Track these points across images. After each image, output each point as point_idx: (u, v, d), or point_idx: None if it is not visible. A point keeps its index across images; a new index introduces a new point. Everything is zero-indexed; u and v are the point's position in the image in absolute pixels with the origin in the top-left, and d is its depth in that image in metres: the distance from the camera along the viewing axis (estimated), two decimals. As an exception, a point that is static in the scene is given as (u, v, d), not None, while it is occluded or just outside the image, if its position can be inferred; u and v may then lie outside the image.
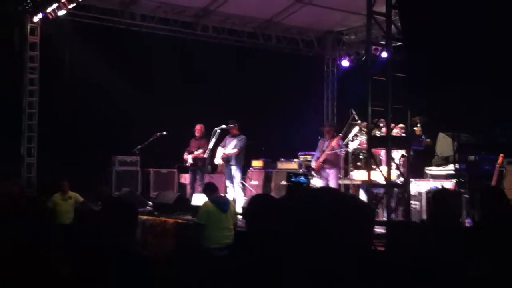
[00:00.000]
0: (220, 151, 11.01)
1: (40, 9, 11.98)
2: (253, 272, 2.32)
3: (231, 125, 10.94)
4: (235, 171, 10.78)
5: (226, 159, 10.81)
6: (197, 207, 9.44)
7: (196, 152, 11.28)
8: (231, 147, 10.84)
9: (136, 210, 3.29)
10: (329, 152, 10.04)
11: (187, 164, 11.48)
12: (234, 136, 10.96)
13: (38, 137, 12.67)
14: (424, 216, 8.04)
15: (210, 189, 7.58)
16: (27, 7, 12.09)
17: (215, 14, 13.53)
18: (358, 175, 9.87)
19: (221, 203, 7.19)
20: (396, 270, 3.06)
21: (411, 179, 7.98)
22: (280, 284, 2.02)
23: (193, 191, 11.21)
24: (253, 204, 2.93)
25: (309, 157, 11.42)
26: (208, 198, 7.38)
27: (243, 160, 11.13)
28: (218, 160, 11.03)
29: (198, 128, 11.54)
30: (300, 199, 2.29)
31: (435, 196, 5.48)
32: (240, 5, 13.03)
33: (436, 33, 7.13)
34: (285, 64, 14.63)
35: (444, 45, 7.10)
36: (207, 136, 11.31)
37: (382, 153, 9.04)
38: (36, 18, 12.34)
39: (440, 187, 7.45)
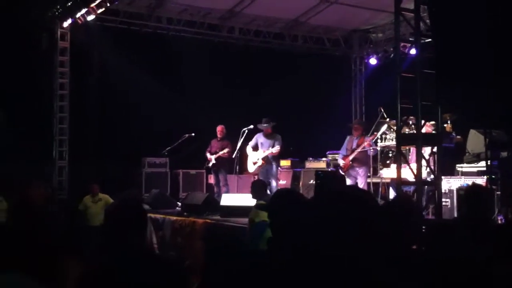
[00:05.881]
0: (250, 151, 10.96)
1: (70, 15, 12.17)
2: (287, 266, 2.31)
3: (265, 125, 10.89)
4: (274, 170, 10.78)
5: (267, 158, 10.79)
6: (226, 207, 9.48)
7: (220, 152, 11.31)
8: (269, 146, 10.81)
9: (144, 211, 3.20)
10: (360, 150, 9.96)
11: (209, 165, 11.55)
12: (269, 135, 10.90)
13: (69, 140, 12.87)
14: (455, 214, 7.92)
15: (257, 189, 7.03)
16: (56, 13, 12.30)
17: (241, 15, 13.56)
18: (388, 173, 9.78)
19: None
20: (428, 268, 3.01)
21: (442, 177, 7.86)
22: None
23: (219, 191, 11.26)
24: (277, 198, 2.92)
25: (337, 156, 11.36)
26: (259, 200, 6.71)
27: (279, 158, 11.15)
28: (254, 159, 10.93)
29: (220, 129, 11.60)
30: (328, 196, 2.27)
31: (468, 192, 5.39)
32: (266, 6, 13.02)
33: (466, 28, 7.01)
34: (312, 64, 14.58)
35: (475, 40, 6.98)
36: (228, 136, 11.39)
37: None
38: (65, 24, 12.55)
39: (470, 184, 7.32)
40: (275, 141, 10.80)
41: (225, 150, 11.24)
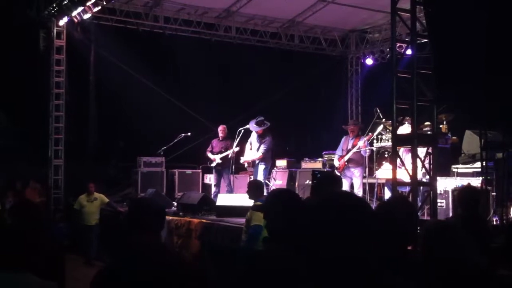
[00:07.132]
0: (247, 150, 10.97)
1: (66, 13, 12.15)
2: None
3: (255, 126, 10.83)
4: (262, 170, 10.76)
5: (252, 163, 10.79)
6: (222, 207, 9.47)
7: (229, 151, 11.23)
8: (255, 149, 10.83)
9: (164, 211, 3.28)
10: (355, 151, 9.96)
11: (212, 165, 11.49)
12: (259, 135, 10.87)
13: (65, 139, 12.84)
14: (451, 215, 7.93)
15: (253, 190, 6.70)
16: (52, 11, 12.27)
17: (238, 15, 13.57)
18: (383, 173, 9.78)
19: None
20: (424, 269, 3.02)
21: (438, 177, 7.86)
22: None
23: (219, 191, 11.23)
24: (273, 198, 2.91)
25: (333, 156, 11.36)
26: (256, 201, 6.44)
27: (270, 159, 11.10)
28: (245, 160, 10.99)
29: (222, 129, 11.54)
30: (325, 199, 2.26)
31: (460, 194, 5.41)
32: (263, 6, 13.03)
33: (462, 28, 7.02)
34: (308, 63, 14.59)
35: (471, 40, 6.99)
36: (230, 136, 11.35)
37: (401, 151, 8.93)
38: (61, 22, 12.53)
39: (466, 184, 7.33)
40: (261, 144, 10.75)
41: (236, 149, 11.11)
